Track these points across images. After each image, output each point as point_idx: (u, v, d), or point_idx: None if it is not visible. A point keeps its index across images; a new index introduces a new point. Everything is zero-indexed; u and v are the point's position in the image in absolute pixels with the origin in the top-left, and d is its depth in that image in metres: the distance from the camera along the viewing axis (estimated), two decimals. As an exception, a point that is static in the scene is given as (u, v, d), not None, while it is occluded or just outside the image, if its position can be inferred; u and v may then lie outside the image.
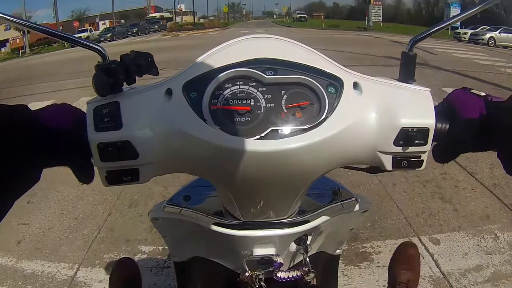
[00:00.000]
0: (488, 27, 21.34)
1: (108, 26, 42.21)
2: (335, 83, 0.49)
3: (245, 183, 0.51)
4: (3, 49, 30.59)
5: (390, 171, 0.52)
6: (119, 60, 0.48)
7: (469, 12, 0.54)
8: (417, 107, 0.49)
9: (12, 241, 2.39)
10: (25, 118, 0.45)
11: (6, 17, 0.49)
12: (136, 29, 36.88)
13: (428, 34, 0.54)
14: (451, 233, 2.34)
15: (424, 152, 0.50)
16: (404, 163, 0.50)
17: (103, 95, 0.47)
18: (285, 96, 0.48)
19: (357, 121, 0.48)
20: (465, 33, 21.80)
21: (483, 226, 2.41)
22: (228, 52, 0.50)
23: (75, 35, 0.50)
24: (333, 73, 0.49)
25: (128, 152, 0.47)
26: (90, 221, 2.59)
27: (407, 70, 0.53)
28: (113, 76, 0.47)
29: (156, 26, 40.07)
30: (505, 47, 15.99)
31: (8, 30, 40.34)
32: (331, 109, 0.48)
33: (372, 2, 33.42)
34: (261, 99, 0.48)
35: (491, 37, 19.04)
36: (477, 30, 21.59)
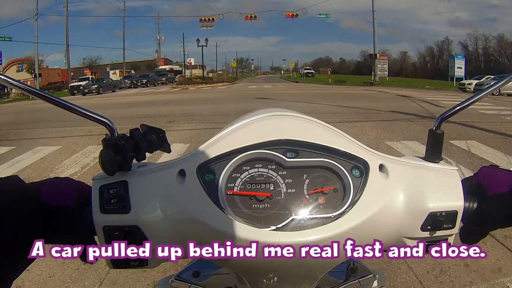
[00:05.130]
0: (493, 77, 21.81)
1: (118, 75, 43.39)
2: (360, 166, 0.46)
3: (260, 272, 0.48)
4: (14, 90, 31.48)
5: None
6: (128, 135, 0.46)
7: (491, 89, 0.52)
8: (445, 189, 0.47)
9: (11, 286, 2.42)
10: (19, 193, 0.42)
11: (10, 81, 0.44)
12: (145, 80, 37.75)
13: (455, 111, 0.52)
14: (462, 289, 2.33)
15: (451, 235, 0.48)
16: (430, 248, 0.48)
17: (110, 173, 0.44)
18: (307, 180, 0.45)
19: (383, 207, 0.45)
20: (470, 84, 22.34)
21: (495, 279, 2.39)
22: (246, 131, 0.47)
23: (81, 107, 0.46)
24: (357, 155, 0.47)
25: (136, 238, 0.44)
26: (92, 273, 2.52)
27: (434, 148, 0.51)
28: (122, 154, 0.44)
29: (163, 79, 40.89)
30: (509, 95, 16.17)
31: (20, 71, 41.69)
32: (356, 195, 0.45)
33: (378, 57, 33.59)
34: (281, 184, 0.45)
35: (496, 87, 19.32)
36: (482, 80, 22.11)
